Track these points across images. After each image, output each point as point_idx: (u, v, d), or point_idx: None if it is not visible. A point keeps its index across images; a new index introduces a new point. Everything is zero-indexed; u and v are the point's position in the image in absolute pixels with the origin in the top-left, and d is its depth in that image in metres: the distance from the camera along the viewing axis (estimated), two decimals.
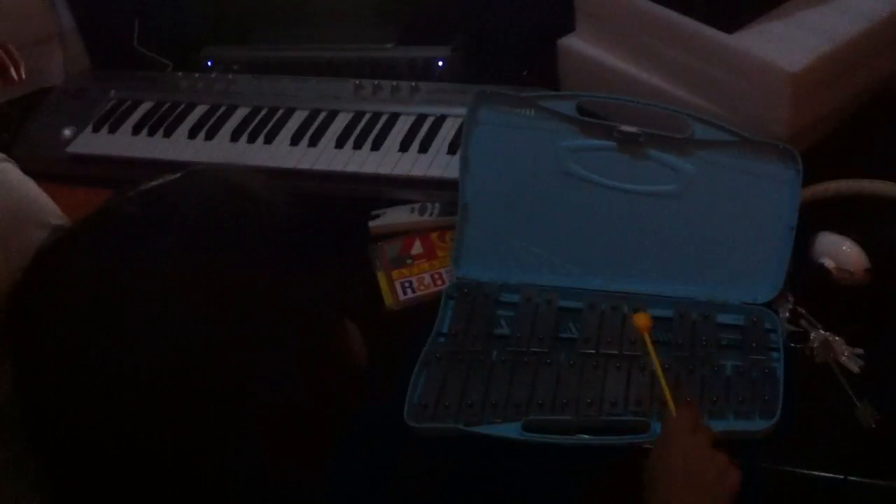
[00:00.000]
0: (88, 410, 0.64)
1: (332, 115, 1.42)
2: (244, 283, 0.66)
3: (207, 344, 0.63)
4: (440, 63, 1.49)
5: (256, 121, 1.43)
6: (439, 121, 1.37)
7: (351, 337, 0.78)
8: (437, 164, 1.31)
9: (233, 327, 0.64)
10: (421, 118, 1.39)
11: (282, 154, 1.37)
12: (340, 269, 1.24)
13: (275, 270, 0.69)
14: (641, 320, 1.02)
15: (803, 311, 1.06)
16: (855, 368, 1.00)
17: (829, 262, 1.07)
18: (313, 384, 0.70)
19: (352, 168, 1.33)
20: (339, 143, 1.36)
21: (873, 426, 0.95)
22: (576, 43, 1.35)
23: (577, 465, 1.03)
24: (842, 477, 0.93)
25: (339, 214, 1.30)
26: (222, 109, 1.46)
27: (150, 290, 0.64)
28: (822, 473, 0.94)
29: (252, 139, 1.40)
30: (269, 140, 1.39)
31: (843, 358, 1.01)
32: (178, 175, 0.71)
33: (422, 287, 1.21)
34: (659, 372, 0.97)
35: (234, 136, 1.41)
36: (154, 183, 0.70)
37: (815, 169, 1.12)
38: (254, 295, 0.66)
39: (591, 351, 1.08)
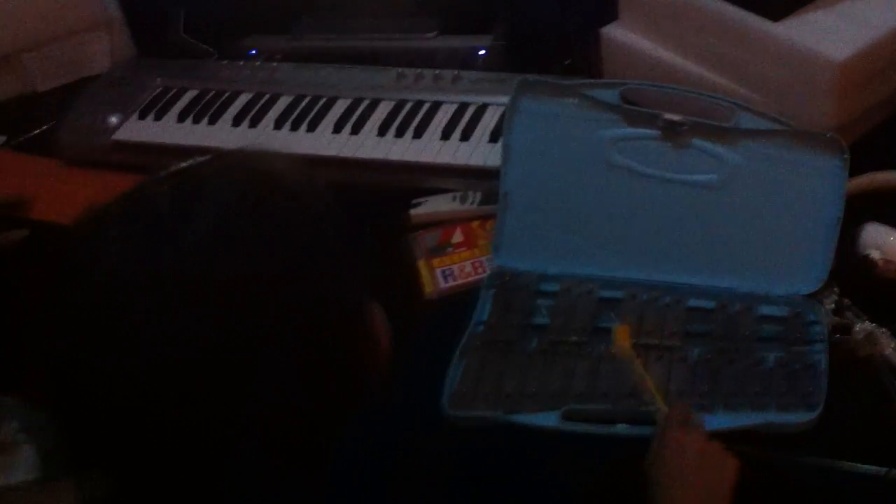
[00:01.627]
0: (96, 407, 0.64)
1: (374, 104, 1.42)
2: (271, 272, 0.65)
3: (215, 345, 0.63)
4: (482, 52, 1.49)
5: (299, 109, 1.43)
6: (481, 109, 1.37)
7: (379, 327, 0.77)
8: (479, 152, 1.31)
9: (242, 329, 0.64)
10: (463, 107, 1.39)
11: (324, 142, 1.38)
12: (380, 256, 1.26)
13: (303, 259, 0.68)
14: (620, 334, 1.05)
15: (849, 303, 1.04)
16: None
17: (875, 254, 1.05)
18: (317, 388, 0.69)
19: (394, 156, 1.34)
20: (382, 132, 1.37)
21: None
22: (619, 32, 1.35)
23: (611, 456, 1.03)
24: (885, 469, 0.92)
25: (380, 202, 1.31)
26: (266, 98, 1.47)
27: (177, 278, 0.63)
28: (866, 466, 0.93)
29: (295, 127, 1.41)
30: (311, 128, 1.40)
31: (888, 351, 1.00)
32: (208, 158, 0.70)
33: (462, 275, 1.21)
34: (642, 372, 0.99)
35: (278, 124, 1.42)
36: (184, 165, 0.69)
37: (862, 160, 1.11)
38: (266, 298, 0.65)
39: (631, 341, 1.07)
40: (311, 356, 0.68)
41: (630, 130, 1.14)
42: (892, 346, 1.00)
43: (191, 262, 0.64)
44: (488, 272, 1.19)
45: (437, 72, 1.43)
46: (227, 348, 0.63)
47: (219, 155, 0.72)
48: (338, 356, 0.71)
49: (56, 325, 0.66)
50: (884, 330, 1.01)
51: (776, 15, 1.13)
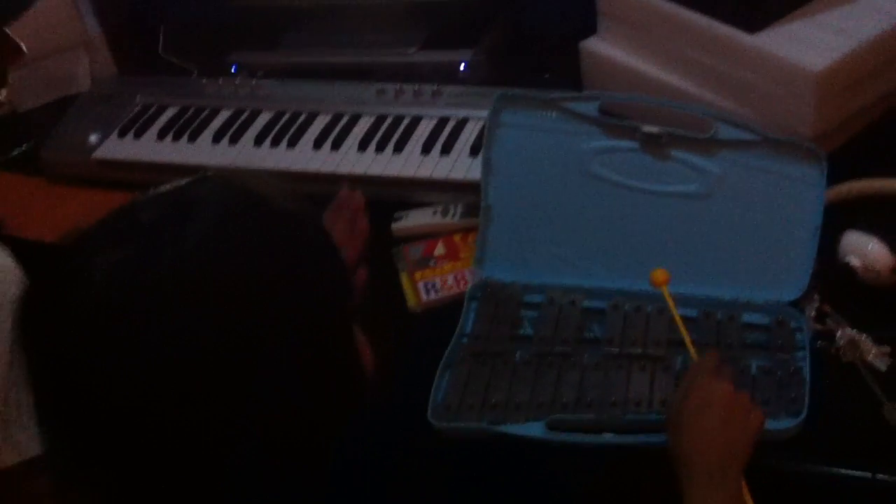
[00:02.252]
0: (97, 408, 0.65)
1: (354, 119, 1.42)
2: (268, 273, 0.68)
3: (215, 346, 0.64)
4: (463, 66, 1.50)
5: (279, 125, 1.43)
6: (461, 123, 1.38)
7: (359, 343, 0.78)
8: (460, 166, 1.31)
9: (241, 330, 0.65)
10: (443, 121, 1.39)
11: (305, 158, 1.38)
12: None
13: (298, 261, 0.70)
14: (660, 276, 1.02)
15: (830, 310, 1.05)
16: (882, 367, 1.00)
17: (854, 261, 1.06)
18: (316, 388, 0.71)
19: (374, 171, 1.34)
20: (362, 147, 1.37)
21: None
22: (598, 45, 1.36)
23: (600, 465, 1.03)
24: (870, 475, 0.93)
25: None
26: (246, 114, 1.47)
27: (176, 279, 0.65)
28: (851, 472, 0.94)
29: (275, 143, 1.41)
30: (292, 144, 1.40)
31: (870, 356, 1.00)
32: (191, 180, 0.72)
33: (445, 288, 1.21)
34: (679, 320, 0.99)
35: (258, 141, 1.42)
36: (167, 188, 0.71)
37: (841, 169, 1.12)
38: (263, 300, 0.67)
39: (616, 350, 1.07)
40: (310, 356, 0.70)
41: (609, 142, 1.14)
42: (874, 351, 1.01)
43: (190, 263, 0.65)
44: (471, 284, 1.19)
45: (417, 86, 1.44)
46: (226, 348, 0.65)
47: (202, 176, 0.73)
48: (336, 356, 0.73)
49: (56, 327, 0.66)
50: (865, 336, 1.02)
51: (754, 27, 1.14)
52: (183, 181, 0.72)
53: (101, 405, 0.65)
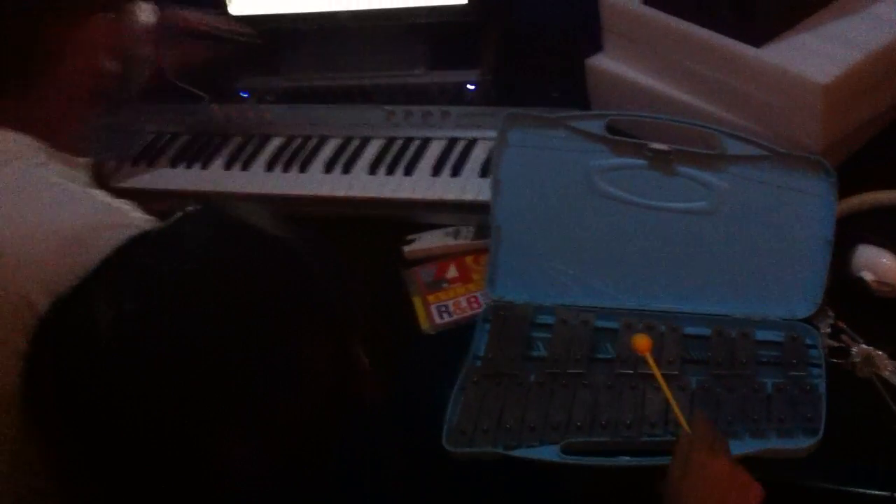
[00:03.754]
0: (111, 399, 0.68)
1: (364, 142, 1.43)
2: (245, 320, 0.70)
3: (227, 337, 0.69)
4: (471, 87, 1.50)
5: (291, 150, 1.44)
6: (471, 144, 1.38)
7: (359, 359, 0.81)
8: (470, 187, 1.31)
9: (255, 320, 0.70)
10: (452, 142, 1.39)
11: (316, 182, 1.38)
12: (376, 292, 1.26)
13: (278, 297, 0.73)
14: (640, 342, 1.01)
15: (844, 326, 1.04)
16: None
17: (868, 275, 1.05)
18: (313, 396, 0.74)
19: (385, 193, 1.34)
20: (372, 170, 1.37)
21: None
22: (604, 62, 1.35)
23: (616, 487, 1.03)
24: (889, 494, 0.92)
25: (374, 239, 1.32)
26: (257, 140, 1.48)
27: (176, 285, 0.69)
28: (870, 491, 0.93)
29: (287, 168, 1.41)
30: (303, 169, 1.41)
31: (887, 372, 0.99)
32: (179, 217, 0.75)
33: (458, 310, 1.21)
34: (666, 390, 0.97)
35: (270, 166, 1.42)
36: (158, 228, 0.76)
37: (852, 181, 1.11)
38: (278, 294, 0.72)
39: (630, 371, 1.07)
40: (309, 361, 0.73)
41: (617, 160, 1.14)
42: (891, 367, 1.00)
43: (189, 270, 0.70)
44: (483, 306, 1.19)
45: (426, 108, 1.44)
46: (226, 351, 0.68)
47: (186, 214, 0.76)
48: (335, 361, 0.76)
49: (57, 332, 0.70)
50: (881, 352, 1.01)
51: (759, 40, 1.14)
52: (172, 220, 0.76)
53: (103, 407, 0.68)
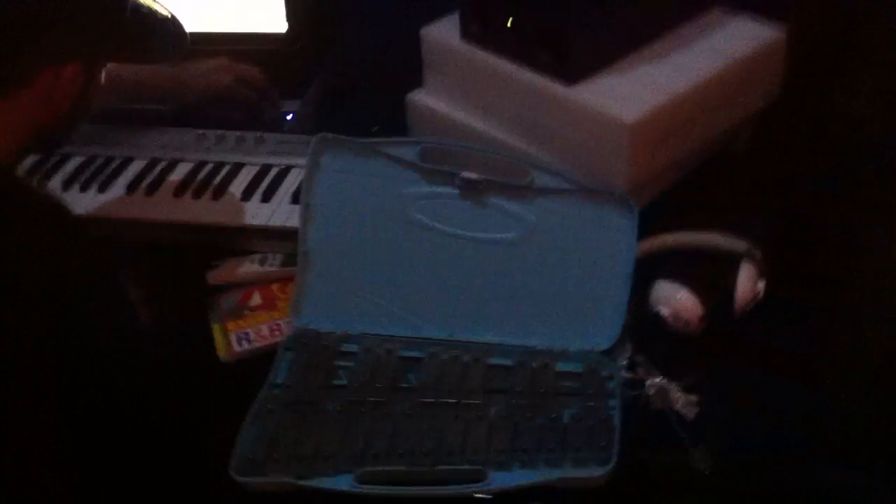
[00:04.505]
0: None
1: (172, 165, 1.37)
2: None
3: None
4: (289, 117, 1.47)
5: (92, 169, 1.36)
6: (284, 171, 1.34)
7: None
8: (280, 213, 1.27)
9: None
10: (265, 168, 1.35)
11: (115, 203, 1.30)
12: (176, 319, 1.20)
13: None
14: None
15: (640, 359, 1.05)
16: (690, 415, 1.00)
17: (664, 310, 1.07)
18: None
19: (189, 217, 1.28)
20: (178, 193, 1.31)
21: (707, 472, 0.95)
22: (423, 97, 1.35)
23: None
24: None
25: (177, 264, 1.26)
26: (56, 158, 1.39)
27: None
28: None
29: (85, 188, 1.33)
30: (102, 189, 1.33)
31: (679, 405, 1.01)
32: None
33: (259, 338, 1.16)
34: None
35: (66, 185, 1.33)
36: None
37: (655, 221, 1.14)
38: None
39: (431, 400, 1.04)
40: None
41: (429, 188, 1.13)
42: (683, 400, 1.01)
43: None
44: (286, 334, 1.14)
45: (240, 133, 1.40)
46: None
47: None
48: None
49: None
50: (674, 384, 1.02)
51: (571, 79, 1.16)
52: None
53: None
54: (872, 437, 1.00)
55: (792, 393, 1.05)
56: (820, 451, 0.99)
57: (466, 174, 1.12)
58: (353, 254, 1.15)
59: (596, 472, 0.95)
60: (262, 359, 1.12)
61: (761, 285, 1.08)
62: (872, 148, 1.28)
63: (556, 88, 1.17)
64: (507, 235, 1.11)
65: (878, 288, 1.14)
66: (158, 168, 1.36)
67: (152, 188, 1.32)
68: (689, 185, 1.24)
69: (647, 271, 1.10)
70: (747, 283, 1.08)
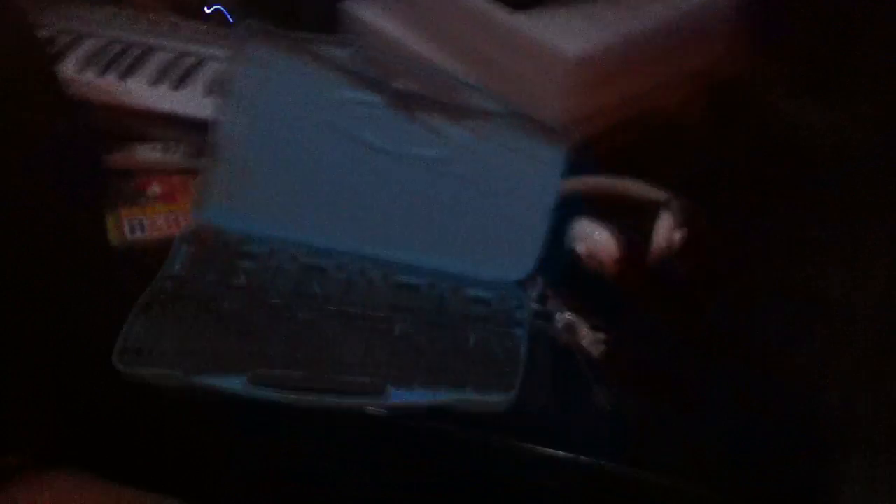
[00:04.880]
0: None
1: (78, 39, 1.27)
2: None
3: None
4: (209, 9, 1.38)
5: None
6: (201, 61, 1.26)
7: None
8: (191, 102, 1.19)
9: None
10: (182, 55, 1.27)
11: None
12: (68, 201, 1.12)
13: None
14: None
15: (551, 293, 1.04)
16: (595, 353, 0.99)
17: (580, 248, 1.06)
18: None
19: (93, 95, 1.19)
20: (82, 68, 1.22)
21: (608, 409, 0.94)
22: (359, 9, 1.30)
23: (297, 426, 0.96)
24: (573, 456, 0.91)
25: (75, 143, 1.17)
26: None
27: None
28: (556, 452, 0.92)
29: None
30: None
31: (586, 342, 1.00)
32: None
33: (154, 229, 1.09)
34: None
35: None
36: None
37: (589, 161, 1.11)
38: None
39: (333, 309, 1.00)
40: None
41: (356, 94, 1.07)
42: (590, 338, 1.00)
43: None
44: (185, 227, 1.08)
45: (155, 16, 1.31)
46: None
47: None
48: None
49: None
50: (582, 321, 1.01)
51: (517, 6, 1.13)
52: None
53: None
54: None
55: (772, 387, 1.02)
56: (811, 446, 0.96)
57: (396, 85, 1.07)
58: (267, 153, 1.09)
59: (498, 398, 0.93)
60: (161, 253, 1.06)
61: (678, 235, 1.07)
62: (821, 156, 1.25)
63: (501, 14, 1.14)
64: (431, 153, 1.07)
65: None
66: (62, 41, 1.26)
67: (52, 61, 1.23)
68: (629, 129, 1.21)
69: (569, 210, 1.08)
70: (664, 231, 1.07)
